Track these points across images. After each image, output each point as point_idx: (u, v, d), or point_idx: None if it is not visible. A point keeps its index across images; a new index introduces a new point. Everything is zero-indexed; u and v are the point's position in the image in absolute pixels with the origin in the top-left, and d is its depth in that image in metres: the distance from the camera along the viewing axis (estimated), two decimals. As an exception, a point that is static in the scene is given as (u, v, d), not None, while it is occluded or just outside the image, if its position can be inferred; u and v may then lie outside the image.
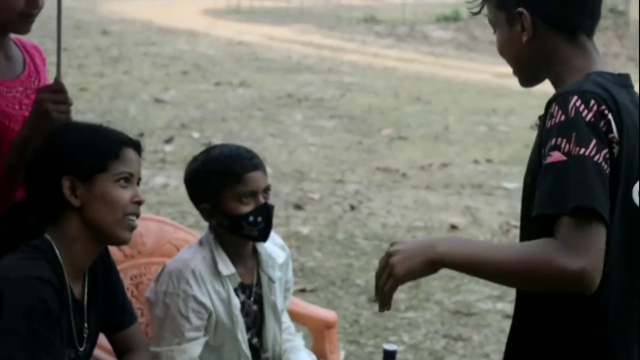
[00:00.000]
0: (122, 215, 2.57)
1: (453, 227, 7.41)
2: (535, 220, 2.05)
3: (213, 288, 3.09)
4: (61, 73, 2.87)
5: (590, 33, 2.22)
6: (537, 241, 2.02)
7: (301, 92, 13.97)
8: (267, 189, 3.11)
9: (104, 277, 2.73)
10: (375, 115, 12.40)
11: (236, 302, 3.13)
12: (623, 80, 2.18)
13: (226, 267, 3.12)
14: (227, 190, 3.05)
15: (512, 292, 6.04)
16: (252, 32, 22.63)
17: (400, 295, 5.94)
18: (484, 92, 14.78)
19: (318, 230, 7.25)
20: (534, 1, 2.19)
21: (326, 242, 6.99)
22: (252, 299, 3.20)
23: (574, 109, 2.03)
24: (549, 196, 2.01)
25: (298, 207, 7.82)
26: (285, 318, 3.37)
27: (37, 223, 2.61)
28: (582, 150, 2.00)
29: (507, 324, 5.53)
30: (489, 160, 9.91)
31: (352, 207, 7.90)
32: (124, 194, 2.57)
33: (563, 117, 2.04)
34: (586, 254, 1.96)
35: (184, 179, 3.21)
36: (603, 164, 2.01)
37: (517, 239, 6.96)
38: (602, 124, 2.04)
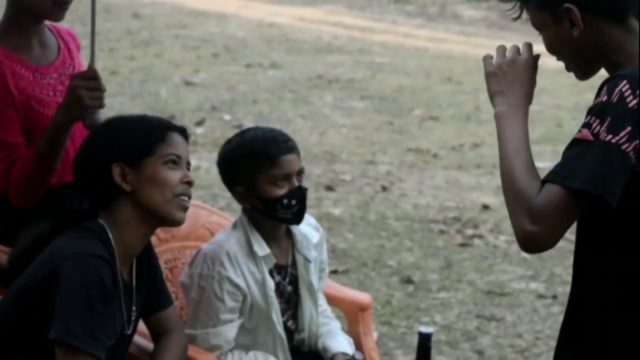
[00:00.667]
0: (173, 196, 2.63)
1: (485, 207, 7.40)
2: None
3: (248, 269, 3.12)
4: (95, 59, 2.90)
5: (638, 14, 2.20)
6: (536, 186, 2.08)
7: (332, 73, 13.95)
8: (301, 172, 3.12)
9: (148, 261, 2.78)
10: (406, 96, 12.36)
11: (270, 283, 3.16)
12: None
13: (261, 248, 3.14)
14: (261, 173, 3.07)
15: (544, 272, 6.05)
16: (282, 14, 22.60)
17: (433, 275, 5.96)
18: (515, 71, 14.68)
19: (349, 212, 7.26)
20: None
21: (358, 223, 7.00)
22: (287, 279, 3.22)
23: (619, 93, 2.04)
24: (563, 167, 2.05)
25: (329, 188, 7.83)
26: (322, 301, 3.38)
27: (89, 209, 2.67)
28: (611, 136, 2.01)
29: (540, 304, 5.54)
30: (520, 140, 9.86)
31: (384, 188, 7.90)
32: (173, 175, 2.64)
33: (605, 98, 2.05)
34: (548, 224, 2.05)
35: (217, 162, 3.23)
36: (631, 153, 2.02)
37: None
38: None
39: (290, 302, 3.28)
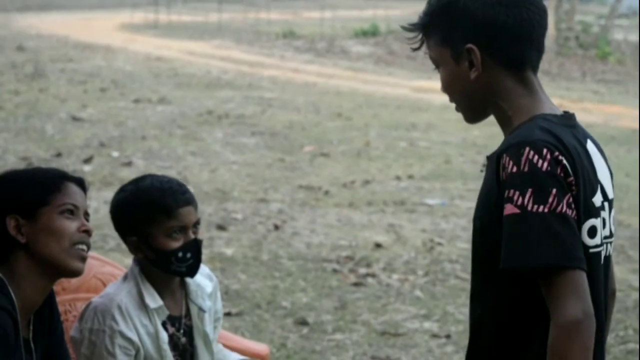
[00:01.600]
0: (69, 245, 2.55)
1: (378, 245, 7.42)
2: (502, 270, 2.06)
3: (140, 322, 3.02)
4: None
5: (536, 68, 2.21)
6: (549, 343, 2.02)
7: (221, 109, 13.90)
8: (197, 224, 3.05)
9: (50, 314, 2.68)
10: (296, 132, 12.38)
11: (164, 336, 3.06)
12: (567, 121, 2.17)
13: (153, 300, 3.05)
14: (157, 225, 2.98)
15: (437, 311, 6.07)
16: (170, 47, 22.48)
17: (327, 316, 5.92)
18: (403, 106, 14.89)
19: (242, 251, 7.19)
20: (483, 37, 2.14)
21: (251, 263, 6.93)
22: (181, 331, 3.13)
23: (527, 161, 2.02)
24: (511, 250, 2.02)
25: (221, 227, 7.75)
26: (217, 349, 3.31)
27: None
28: (541, 207, 2.00)
29: (434, 344, 5.55)
30: (410, 176, 9.95)
31: (276, 227, 7.86)
32: (70, 224, 2.56)
33: (515, 169, 2.03)
34: (576, 308, 2.01)
35: (110, 210, 3.13)
36: (568, 210, 2.01)
37: (441, 256, 6.91)
38: (558, 170, 2.03)
39: (185, 354, 3.19)
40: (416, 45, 2.26)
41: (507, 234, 2.02)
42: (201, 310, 3.15)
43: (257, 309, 6.01)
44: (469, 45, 2.15)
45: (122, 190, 3.11)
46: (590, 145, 2.18)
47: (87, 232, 2.58)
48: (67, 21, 29.16)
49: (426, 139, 12.14)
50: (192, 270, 3.05)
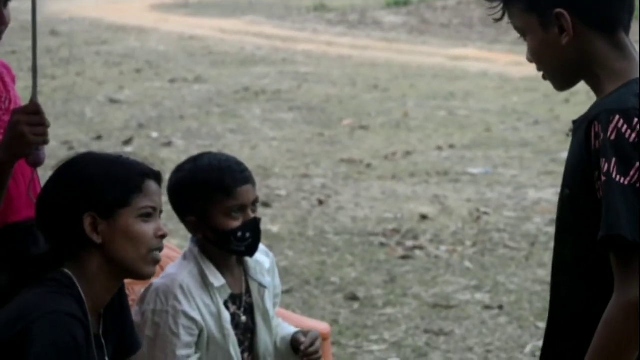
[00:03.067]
0: (147, 251, 2.48)
1: (423, 217, 7.37)
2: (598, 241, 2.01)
3: (202, 302, 3.01)
4: (37, 93, 2.77)
5: (627, 29, 2.13)
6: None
7: (258, 85, 13.86)
8: (255, 202, 3.02)
9: (120, 307, 2.64)
10: (334, 105, 12.32)
11: (226, 315, 3.05)
12: None
13: (216, 279, 3.04)
14: (216, 204, 2.96)
15: (488, 282, 6.03)
16: (202, 26, 22.45)
17: (377, 291, 5.90)
18: (440, 75, 14.75)
19: (288, 228, 7.17)
20: (572, 0, 2.07)
21: (297, 239, 6.91)
22: (242, 309, 3.12)
23: (615, 130, 1.96)
24: (602, 219, 1.98)
25: (265, 204, 7.72)
26: (277, 322, 3.29)
27: (53, 257, 2.50)
28: (622, 179, 1.94)
29: (487, 315, 5.51)
30: (451, 146, 9.87)
31: (320, 202, 7.83)
32: (148, 229, 2.47)
33: (602, 136, 1.97)
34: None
35: (167, 189, 3.09)
36: None
37: (488, 226, 6.83)
38: None
39: (246, 333, 3.17)
40: (498, 16, 2.18)
41: (604, 205, 1.98)
42: (262, 286, 3.13)
43: (307, 285, 6.00)
44: (558, 10, 2.07)
45: (180, 169, 3.08)
46: None
47: (163, 237, 2.53)
48: (98, 4, 29.18)
49: (465, 108, 12.03)
50: (252, 250, 3.03)
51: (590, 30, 2.08)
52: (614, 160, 1.95)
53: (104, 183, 2.47)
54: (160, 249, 2.52)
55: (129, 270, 2.49)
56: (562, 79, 2.16)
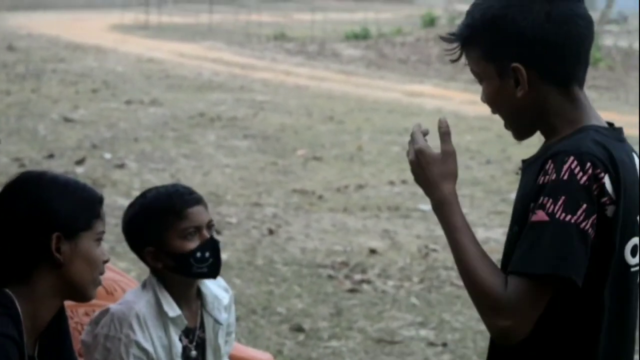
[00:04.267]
0: (97, 274, 2.51)
1: (372, 251, 7.40)
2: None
3: (156, 334, 3.00)
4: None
5: (582, 83, 2.17)
6: (501, 280, 2.04)
7: (213, 111, 13.87)
8: (210, 224, 3.03)
9: (58, 331, 2.62)
10: (289, 135, 12.36)
11: (178, 349, 3.04)
12: (618, 134, 2.15)
13: (172, 309, 3.03)
14: (170, 229, 2.96)
15: (434, 319, 6.06)
16: (161, 49, 22.42)
17: (323, 323, 5.90)
18: (395, 110, 14.86)
19: (237, 256, 7.17)
20: (531, 55, 2.10)
21: (245, 268, 6.91)
22: (194, 343, 3.11)
23: (568, 171, 2.00)
24: (526, 255, 2.02)
25: (215, 231, 7.71)
26: (225, 360, 3.29)
27: None
28: (569, 217, 1.98)
29: (431, 352, 5.53)
30: (404, 182, 9.93)
31: (271, 232, 7.83)
32: (100, 253, 2.52)
33: (554, 177, 2.01)
34: (521, 317, 2.02)
35: (122, 227, 3.11)
36: (590, 230, 2.00)
37: (436, 263, 6.87)
38: (594, 187, 2.01)
39: (195, 367, 3.17)
40: (455, 57, 2.21)
41: (529, 239, 2.01)
42: (217, 322, 3.12)
43: (253, 315, 5.99)
44: (515, 64, 2.11)
45: (131, 206, 3.11)
46: (637, 160, 2.16)
47: (107, 262, 2.57)
48: (58, 21, 29.07)
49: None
50: (214, 270, 3.04)
51: (545, 84, 2.13)
52: (562, 198, 1.99)
53: (72, 205, 2.49)
54: (102, 273, 2.55)
55: (80, 292, 2.51)
56: (518, 127, 2.20)
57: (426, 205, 9.09)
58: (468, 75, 2.29)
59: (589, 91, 18.16)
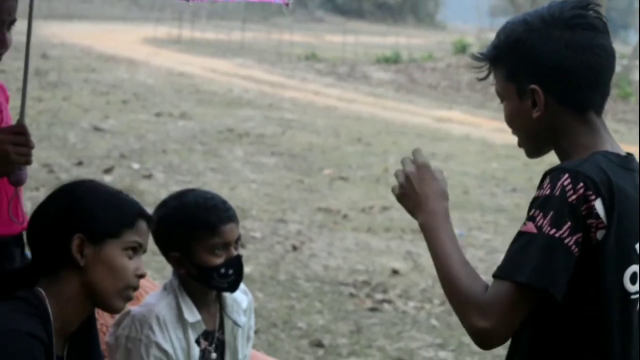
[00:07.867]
0: (123, 287, 2.49)
1: (394, 271, 7.42)
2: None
3: (175, 335, 3.03)
4: (24, 114, 2.82)
5: (599, 111, 2.22)
6: (482, 283, 2.09)
7: (242, 127, 13.94)
8: (238, 240, 3.05)
9: (88, 336, 2.65)
10: (316, 154, 12.41)
11: (195, 352, 3.07)
12: (627, 163, 2.19)
13: (191, 314, 3.06)
14: (200, 241, 2.98)
15: (453, 341, 6.07)
16: (192, 63, 22.56)
17: (342, 340, 5.93)
18: (423, 135, 14.89)
19: (260, 270, 7.21)
20: (548, 79, 2.16)
21: (268, 282, 6.95)
22: (213, 345, 3.14)
23: (561, 187, 2.05)
24: (509, 262, 2.06)
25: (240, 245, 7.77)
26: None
27: (30, 272, 2.52)
28: (554, 230, 2.03)
29: (449, 374, 5.54)
30: (428, 205, 9.94)
31: (294, 248, 7.87)
32: (130, 265, 2.49)
33: (548, 192, 2.06)
34: (499, 319, 2.05)
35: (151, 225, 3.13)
36: (573, 247, 2.04)
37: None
38: (583, 207, 2.06)
39: (214, 370, 3.20)
40: (483, 75, 2.27)
41: (515, 247, 2.06)
42: (236, 324, 3.15)
43: (273, 328, 6.03)
44: (533, 86, 2.17)
45: (165, 205, 3.08)
46: None
47: (142, 276, 2.55)
48: (91, 32, 29.32)
49: (445, 169, 12.11)
50: (234, 286, 3.05)
51: (561, 108, 2.19)
52: (551, 213, 2.04)
53: (101, 210, 2.50)
54: (135, 288, 2.53)
55: (101, 299, 2.50)
56: (531, 146, 2.28)
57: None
58: (497, 103, 2.33)
59: (619, 124, 18.20)
